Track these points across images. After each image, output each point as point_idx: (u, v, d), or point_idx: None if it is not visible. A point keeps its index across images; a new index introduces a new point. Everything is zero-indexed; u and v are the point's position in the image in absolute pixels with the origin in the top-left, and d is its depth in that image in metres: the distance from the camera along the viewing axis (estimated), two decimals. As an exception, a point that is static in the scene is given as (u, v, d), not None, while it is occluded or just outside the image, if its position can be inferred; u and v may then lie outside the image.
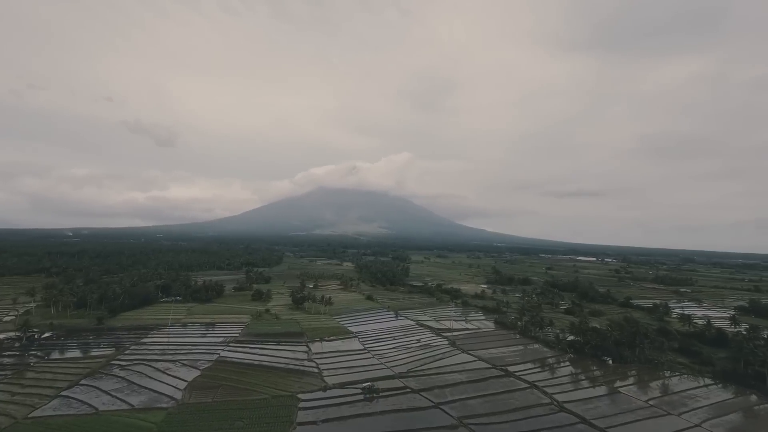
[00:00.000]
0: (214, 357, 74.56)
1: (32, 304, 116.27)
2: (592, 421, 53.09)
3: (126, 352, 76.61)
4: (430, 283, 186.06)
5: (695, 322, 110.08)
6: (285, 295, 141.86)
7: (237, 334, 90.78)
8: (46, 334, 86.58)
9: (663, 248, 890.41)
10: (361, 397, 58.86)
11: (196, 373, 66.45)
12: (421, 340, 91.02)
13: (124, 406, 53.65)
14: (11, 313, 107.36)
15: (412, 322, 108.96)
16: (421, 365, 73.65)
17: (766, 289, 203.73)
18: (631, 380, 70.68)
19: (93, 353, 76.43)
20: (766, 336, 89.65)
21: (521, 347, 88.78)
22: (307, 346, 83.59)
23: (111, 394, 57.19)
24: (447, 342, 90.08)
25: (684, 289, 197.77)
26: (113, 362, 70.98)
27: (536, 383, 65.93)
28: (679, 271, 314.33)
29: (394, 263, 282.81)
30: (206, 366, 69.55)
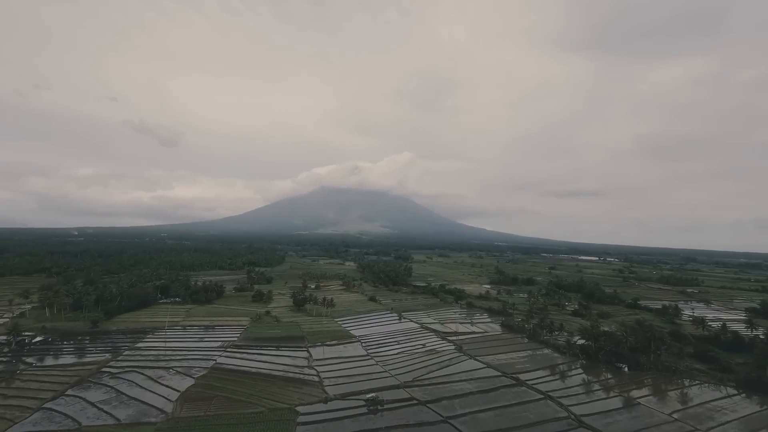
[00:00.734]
0: (210, 364, 70.01)
1: (28, 306, 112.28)
2: (614, 438, 48.39)
3: (119, 358, 72.19)
4: (433, 284, 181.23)
5: (709, 325, 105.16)
6: (286, 296, 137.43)
7: (235, 339, 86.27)
8: (38, 339, 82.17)
9: (663, 247, 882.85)
10: (365, 409, 54.24)
11: (190, 381, 61.93)
12: (427, 345, 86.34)
13: (110, 421, 49.15)
14: (5, 315, 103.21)
15: (417, 325, 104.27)
16: (428, 373, 68.95)
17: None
18: (649, 390, 65.78)
19: (84, 359, 71.95)
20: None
21: (530, 352, 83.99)
22: (308, 352, 79.03)
23: (97, 407, 52.71)
24: (453, 347, 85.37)
25: (691, 290, 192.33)
26: (104, 369, 66.52)
27: (550, 393, 61.16)
28: (682, 271, 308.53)
29: (397, 263, 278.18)
30: (201, 374, 65.00)
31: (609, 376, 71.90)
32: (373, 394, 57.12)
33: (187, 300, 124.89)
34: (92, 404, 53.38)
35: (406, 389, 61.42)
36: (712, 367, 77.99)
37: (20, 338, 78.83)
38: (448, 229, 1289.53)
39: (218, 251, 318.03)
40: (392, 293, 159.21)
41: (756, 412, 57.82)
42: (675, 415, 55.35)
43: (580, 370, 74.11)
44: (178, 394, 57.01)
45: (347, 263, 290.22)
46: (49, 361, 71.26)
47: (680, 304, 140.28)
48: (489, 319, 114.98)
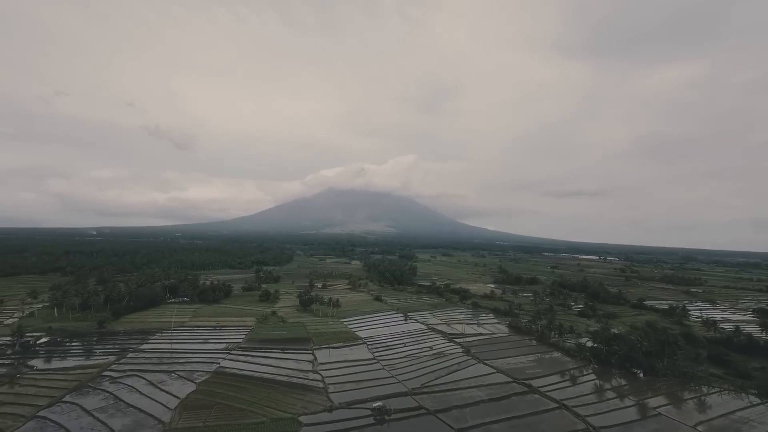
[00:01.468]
0: (213, 367, 65.71)
1: (39, 306, 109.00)
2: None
3: (121, 361, 68.16)
4: (438, 283, 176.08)
5: (721, 327, 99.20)
6: (293, 296, 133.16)
7: (240, 340, 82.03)
8: (43, 340, 78.45)
9: (661, 246, 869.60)
10: (371, 419, 49.61)
11: (191, 387, 57.66)
12: (434, 348, 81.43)
13: (104, 431, 45.03)
14: (15, 315, 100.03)
15: (423, 326, 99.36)
16: (436, 378, 64.08)
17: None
18: (668, 398, 60.30)
19: (86, 362, 67.89)
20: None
21: (540, 356, 78.79)
22: (313, 354, 74.49)
23: (93, 415, 48.62)
24: (461, 349, 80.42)
25: (695, 290, 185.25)
26: (105, 373, 62.52)
27: (565, 402, 56.07)
28: (683, 270, 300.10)
29: (402, 262, 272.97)
30: (203, 379, 60.72)
31: (624, 383, 66.49)
32: (379, 403, 52.43)
33: (195, 300, 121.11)
34: (88, 412, 49.28)
35: (414, 397, 56.65)
36: (728, 372, 72.39)
37: (24, 340, 75.21)
38: (450, 228, 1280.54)
39: (229, 251, 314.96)
40: (397, 293, 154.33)
41: (786, 425, 52.30)
42: (700, 428, 50.09)
43: (593, 376, 68.81)
44: (178, 401, 52.76)
45: (353, 262, 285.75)
46: (51, 363, 67.43)
47: (686, 305, 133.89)
48: (495, 320, 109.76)
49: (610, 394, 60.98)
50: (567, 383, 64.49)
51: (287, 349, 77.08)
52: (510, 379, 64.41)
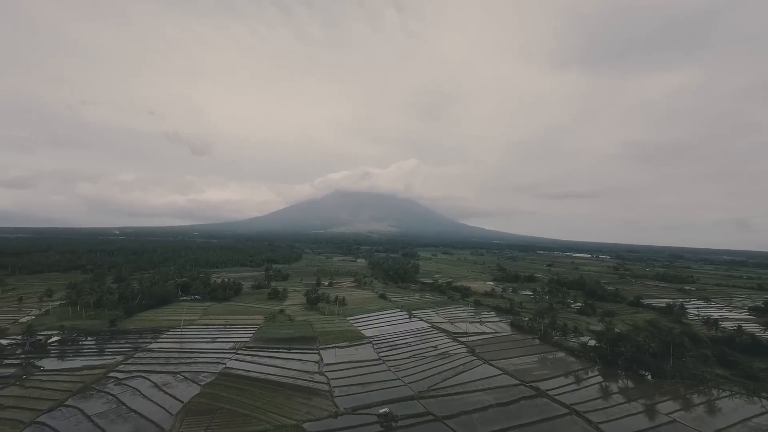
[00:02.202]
0: (219, 368, 61.36)
1: (55, 303, 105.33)
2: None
3: (129, 361, 64.01)
4: (440, 281, 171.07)
5: (723, 326, 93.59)
6: (301, 294, 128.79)
7: (248, 339, 77.71)
8: (54, 338, 74.53)
9: (650, 245, 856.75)
10: (378, 426, 44.99)
11: (196, 390, 53.32)
12: (439, 347, 76.59)
13: (103, 440, 40.76)
14: (32, 312, 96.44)
15: (427, 325, 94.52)
16: (442, 381, 59.27)
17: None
18: (680, 403, 55.02)
19: (93, 362, 63.75)
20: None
21: (544, 356, 73.75)
22: (319, 354, 69.96)
23: (93, 421, 44.36)
24: (465, 349, 75.53)
25: (689, 288, 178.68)
26: (111, 374, 58.36)
27: (575, 407, 51.10)
28: (674, 268, 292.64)
29: (405, 260, 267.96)
30: (208, 381, 56.36)
31: (632, 385, 61.34)
32: (386, 409, 47.77)
33: (206, 297, 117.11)
34: (88, 417, 45.03)
35: (420, 401, 51.89)
36: (734, 374, 67.05)
37: (35, 339, 71.28)
38: (450, 228, 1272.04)
39: (241, 249, 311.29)
40: (401, 290, 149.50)
41: (808, 433, 47.05)
42: (719, 437, 45.00)
43: (599, 378, 63.66)
44: (181, 405, 48.40)
45: (359, 260, 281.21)
46: (59, 364, 63.26)
47: (683, 303, 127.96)
48: (497, 318, 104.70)
49: (620, 398, 55.85)
50: (575, 386, 59.42)
51: (293, 349, 72.62)
52: (517, 382, 59.49)
